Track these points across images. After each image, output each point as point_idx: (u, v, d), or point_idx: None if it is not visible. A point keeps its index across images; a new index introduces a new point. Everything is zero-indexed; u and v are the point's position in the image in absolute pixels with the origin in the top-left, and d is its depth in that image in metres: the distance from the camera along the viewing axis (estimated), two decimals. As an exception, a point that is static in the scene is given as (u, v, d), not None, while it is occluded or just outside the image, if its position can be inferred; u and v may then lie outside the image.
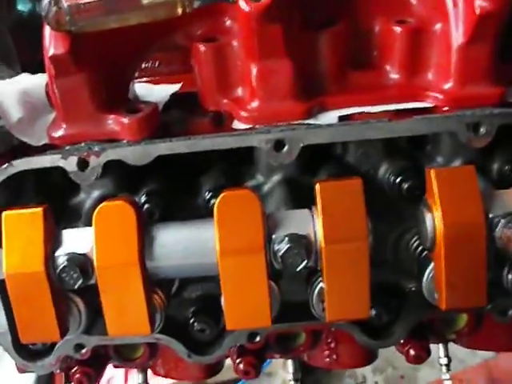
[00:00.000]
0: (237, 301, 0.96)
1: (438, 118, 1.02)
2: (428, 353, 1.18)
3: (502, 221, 0.94)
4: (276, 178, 1.11)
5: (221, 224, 0.93)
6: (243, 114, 1.06)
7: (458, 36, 1.02)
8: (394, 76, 1.10)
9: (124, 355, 1.25)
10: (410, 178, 1.07)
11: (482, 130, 1.01)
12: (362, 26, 1.09)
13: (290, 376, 1.29)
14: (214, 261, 0.94)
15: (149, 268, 0.96)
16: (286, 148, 1.00)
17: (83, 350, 1.12)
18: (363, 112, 1.06)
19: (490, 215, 0.95)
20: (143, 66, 1.42)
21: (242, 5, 0.96)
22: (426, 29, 1.06)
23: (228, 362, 1.27)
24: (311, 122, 1.04)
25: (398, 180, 1.08)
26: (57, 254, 0.97)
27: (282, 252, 0.93)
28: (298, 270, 0.94)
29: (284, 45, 1.00)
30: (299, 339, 1.22)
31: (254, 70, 1.03)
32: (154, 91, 1.22)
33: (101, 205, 0.96)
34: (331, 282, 0.95)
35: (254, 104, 1.05)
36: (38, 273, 0.94)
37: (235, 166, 1.14)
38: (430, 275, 1.01)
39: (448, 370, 1.29)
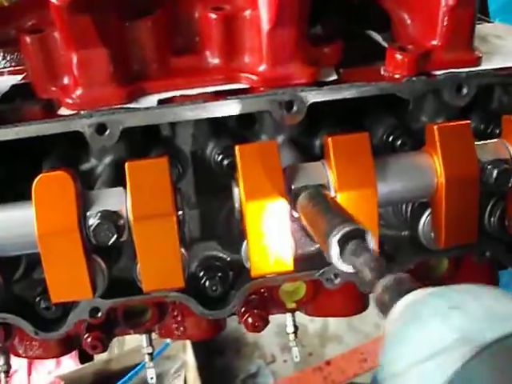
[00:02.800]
0: (58, 275, 1.02)
1: (249, 98, 1.08)
2: (266, 322, 1.25)
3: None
4: (108, 159, 1.17)
5: (38, 205, 0.99)
6: (68, 100, 1.11)
7: (265, 21, 1.09)
8: (214, 60, 1.16)
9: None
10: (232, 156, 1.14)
11: (295, 107, 1.09)
12: (182, 14, 1.15)
13: (144, 350, 1.34)
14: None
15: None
16: (107, 131, 1.06)
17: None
18: (182, 95, 1.12)
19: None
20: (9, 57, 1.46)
21: (51, -3, 1.02)
22: (239, 15, 1.12)
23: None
24: (132, 106, 1.10)
25: (219, 158, 1.16)
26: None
27: (93, 227, 1.00)
28: (110, 243, 1.01)
29: (98, 34, 1.05)
30: (146, 314, 1.29)
31: (74, 59, 1.08)
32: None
33: None
34: (143, 256, 1.01)
35: (78, 91, 1.10)
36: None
37: (73, 150, 1.19)
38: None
39: (296, 337, 1.36)
